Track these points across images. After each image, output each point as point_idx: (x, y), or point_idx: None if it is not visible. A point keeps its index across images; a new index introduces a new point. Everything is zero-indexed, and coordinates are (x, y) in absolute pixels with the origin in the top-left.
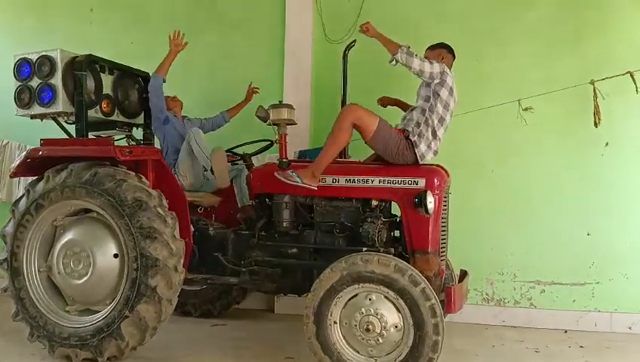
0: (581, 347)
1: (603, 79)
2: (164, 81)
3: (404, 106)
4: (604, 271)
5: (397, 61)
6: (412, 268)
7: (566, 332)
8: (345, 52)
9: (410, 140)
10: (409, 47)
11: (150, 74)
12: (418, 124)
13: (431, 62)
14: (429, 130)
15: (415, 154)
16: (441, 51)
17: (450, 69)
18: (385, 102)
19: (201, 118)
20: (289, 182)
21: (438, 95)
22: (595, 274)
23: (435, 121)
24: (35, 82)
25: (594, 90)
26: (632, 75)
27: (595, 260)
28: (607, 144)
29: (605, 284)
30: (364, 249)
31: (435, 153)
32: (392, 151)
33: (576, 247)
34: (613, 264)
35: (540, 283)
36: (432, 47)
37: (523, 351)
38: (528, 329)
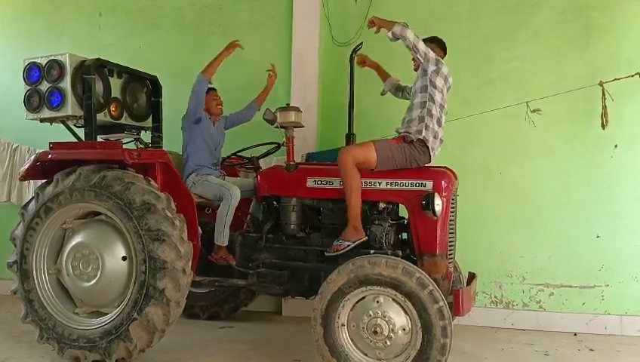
0: (591, 350)
1: (612, 80)
2: (211, 83)
3: (382, 73)
4: (614, 274)
5: (393, 35)
6: (420, 270)
7: (576, 335)
8: (352, 55)
9: (416, 141)
10: (406, 24)
11: (157, 77)
12: (421, 119)
13: (427, 47)
14: (434, 120)
15: (423, 153)
16: (431, 46)
17: None
18: (365, 62)
19: (226, 115)
20: (344, 250)
21: (435, 84)
22: (604, 276)
23: (437, 110)
24: (44, 86)
25: (602, 92)
26: None
27: (605, 263)
28: (616, 146)
29: (615, 287)
30: (372, 251)
31: (441, 141)
32: (403, 162)
33: (586, 250)
34: (623, 266)
35: (549, 285)
36: (426, 40)
37: (532, 354)
38: (537, 332)
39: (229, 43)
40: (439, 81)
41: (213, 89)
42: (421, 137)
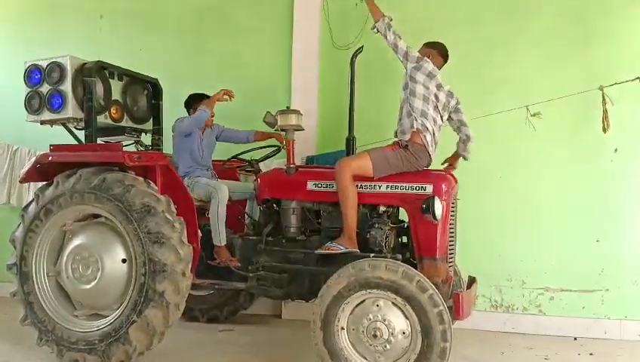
0: (591, 354)
1: (612, 85)
2: (212, 115)
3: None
4: (614, 278)
5: (377, 29)
6: (420, 274)
7: (575, 339)
8: (352, 58)
9: (410, 142)
10: (391, 20)
11: (158, 80)
12: (408, 114)
13: (409, 47)
14: (417, 113)
15: (419, 156)
16: (430, 51)
17: (439, 68)
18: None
19: (223, 126)
20: (335, 252)
21: (415, 78)
22: (604, 281)
23: (420, 102)
24: (45, 88)
25: (603, 96)
26: None
27: (605, 267)
28: (616, 150)
29: (615, 291)
30: (372, 255)
31: (433, 134)
32: (400, 167)
33: (586, 254)
34: (623, 271)
35: (548, 289)
36: (426, 45)
37: (532, 359)
38: (537, 336)
39: (222, 91)
40: (420, 76)
41: (208, 97)
42: (414, 129)
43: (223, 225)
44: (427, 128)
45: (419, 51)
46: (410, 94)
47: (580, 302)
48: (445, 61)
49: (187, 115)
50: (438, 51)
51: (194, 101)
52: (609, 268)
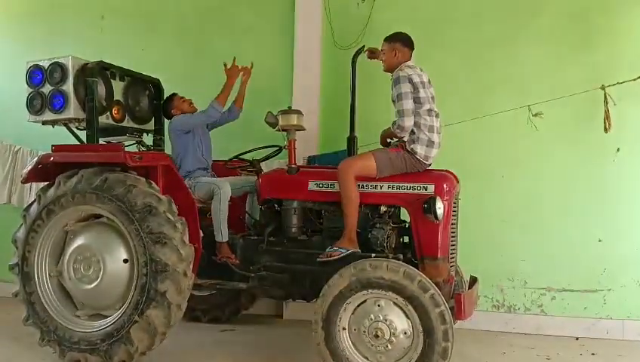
0: (593, 354)
1: (614, 84)
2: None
3: None
4: (616, 278)
5: (399, 131)
6: (421, 274)
7: (577, 339)
8: (354, 58)
9: (413, 152)
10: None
11: (160, 80)
12: (412, 132)
13: (399, 100)
14: (425, 128)
15: (422, 162)
16: (395, 46)
17: (410, 59)
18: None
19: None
20: (338, 257)
21: (419, 99)
22: (606, 281)
23: (427, 118)
24: (46, 89)
25: (605, 96)
26: None
27: (607, 267)
28: (618, 150)
29: (617, 291)
30: (373, 255)
31: (439, 145)
32: (405, 168)
33: (588, 254)
34: (625, 271)
35: (550, 289)
36: (388, 41)
37: (534, 359)
38: (539, 336)
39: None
40: (421, 92)
41: (175, 94)
42: (409, 148)
43: (225, 222)
44: (433, 142)
45: (382, 49)
46: (418, 116)
47: (582, 302)
48: (412, 49)
49: (168, 120)
50: (401, 43)
51: (170, 104)
52: (611, 268)
